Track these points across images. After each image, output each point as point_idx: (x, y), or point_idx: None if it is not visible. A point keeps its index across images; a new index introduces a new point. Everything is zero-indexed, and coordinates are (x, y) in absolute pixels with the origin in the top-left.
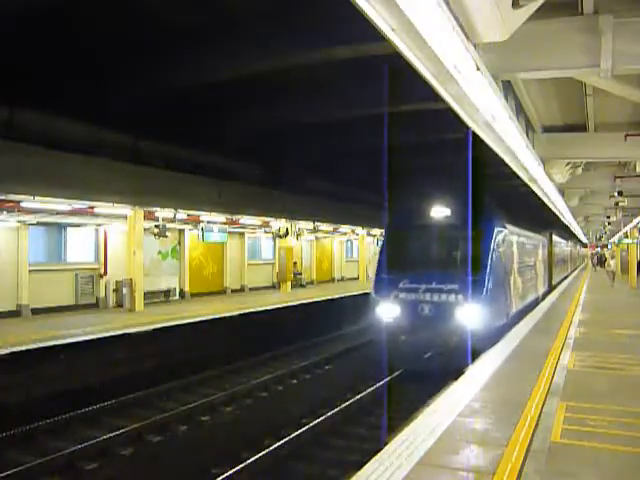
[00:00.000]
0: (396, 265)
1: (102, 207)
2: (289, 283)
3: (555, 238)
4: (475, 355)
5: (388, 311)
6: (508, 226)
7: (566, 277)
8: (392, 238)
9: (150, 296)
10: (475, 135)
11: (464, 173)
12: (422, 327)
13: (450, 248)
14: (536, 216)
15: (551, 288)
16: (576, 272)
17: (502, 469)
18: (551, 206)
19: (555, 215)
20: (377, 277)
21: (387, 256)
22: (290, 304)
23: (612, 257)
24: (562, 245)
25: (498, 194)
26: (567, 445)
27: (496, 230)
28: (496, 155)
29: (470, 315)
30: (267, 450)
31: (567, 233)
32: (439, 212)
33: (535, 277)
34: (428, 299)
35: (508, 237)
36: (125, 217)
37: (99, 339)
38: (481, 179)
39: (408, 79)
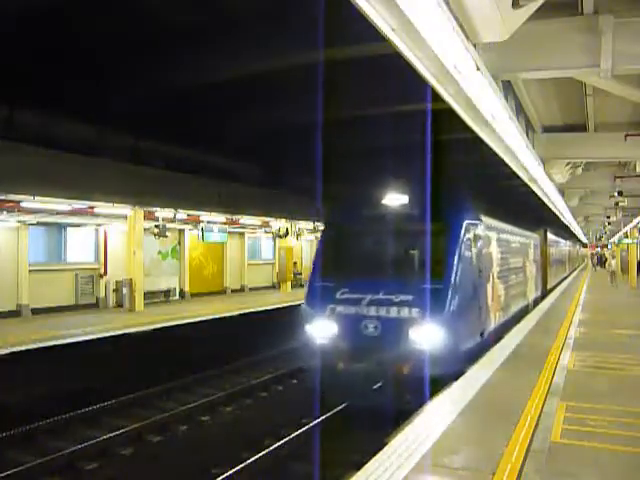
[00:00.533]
0: (334, 270)
1: (102, 207)
2: (289, 283)
3: (551, 236)
4: (435, 388)
5: (322, 329)
6: (484, 218)
7: (564, 279)
8: (331, 235)
9: (150, 296)
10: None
11: (423, 150)
12: (366, 351)
13: (404, 247)
14: (526, 210)
15: (546, 293)
16: (575, 273)
17: (502, 469)
18: (551, 206)
19: (554, 214)
20: (310, 285)
21: (324, 258)
22: (290, 304)
23: (613, 257)
24: (560, 244)
25: (472, 179)
26: (567, 445)
27: (466, 223)
28: (495, 154)
29: (428, 335)
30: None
31: (565, 231)
32: (391, 200)
33: (524, 282)
34: (373, 314)
35: (484, 232)
36: (125, 217)
37: (99, 339)
38: (446, 158)
39: (408, 79)
